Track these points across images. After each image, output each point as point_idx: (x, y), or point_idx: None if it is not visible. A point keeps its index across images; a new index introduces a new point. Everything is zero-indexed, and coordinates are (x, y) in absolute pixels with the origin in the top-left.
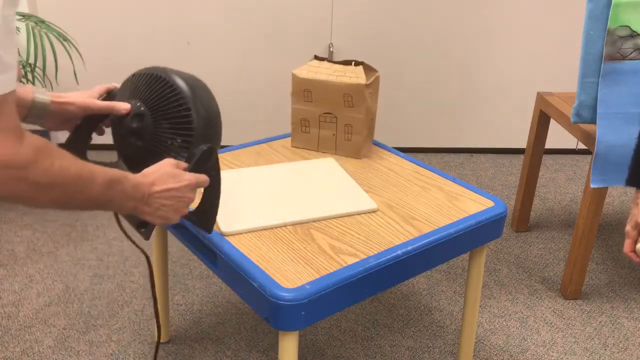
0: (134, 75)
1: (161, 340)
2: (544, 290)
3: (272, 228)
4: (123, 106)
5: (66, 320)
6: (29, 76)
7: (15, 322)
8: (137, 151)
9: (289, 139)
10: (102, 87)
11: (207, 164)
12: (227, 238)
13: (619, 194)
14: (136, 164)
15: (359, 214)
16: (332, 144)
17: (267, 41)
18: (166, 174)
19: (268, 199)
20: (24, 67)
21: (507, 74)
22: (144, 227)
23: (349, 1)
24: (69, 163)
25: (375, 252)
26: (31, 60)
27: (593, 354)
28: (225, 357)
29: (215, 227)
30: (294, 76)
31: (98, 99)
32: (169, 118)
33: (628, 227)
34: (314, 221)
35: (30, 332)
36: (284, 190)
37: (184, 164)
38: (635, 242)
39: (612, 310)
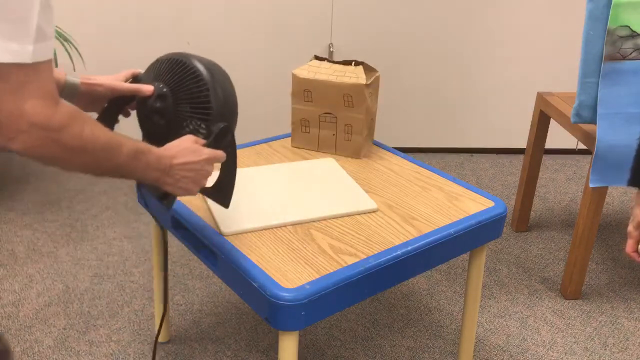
0: (157, 60)
1: (161, 340)
2: (544, 290)
3: (272, 228)
4: (147, 88)
5: (66, 320)
6: None
7: (15, 322)
8: (159, 129)
9: (289, 139)
10: (128, 72)
11: (223, 141)
12: (227, 238)
13: (619, 194)
14: (158, 140)
15: (359, 214)
16: (332, 144)
17: (267, 41)
18: (186, 149)
19: (268, 199)
20: None
21: (507, 74)
22: (165, 198)
23: (349, 1)
24: (99, 131)
25: (375, 252)
26: None
27: (593, 354)
28: (225, 357)
29: (215, 227)
30: (294, 76)
31: (124, 82)
32: (189, 99)
33: (630, 228)
34: (314, 221)
35: (30, 332)
36: (284, 190)
37: (203, 141)
38: (638, 242)
39: (612, 310)
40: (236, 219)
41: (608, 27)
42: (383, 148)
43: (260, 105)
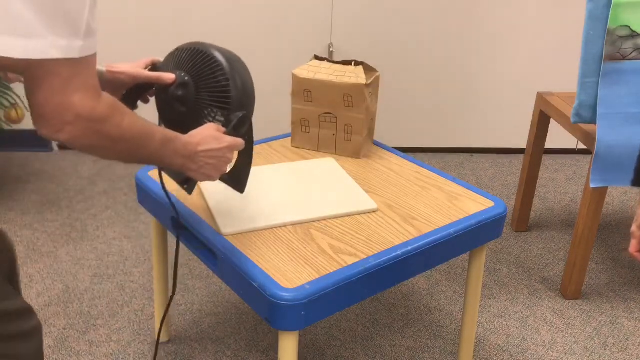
0: (177, 49)
1: (161, 340)
2: (544, 290)
3: (272, 228)
4: (169, 76)
5: (66, 320)
6: None
7: None
8: (179, 116)
9: (289, 139)
10: (147, 60)
11: (242, 129)
12: (227, 238)
13: (619, 194)
14: (177, 127)
15: (359, 214)
16: (332, 144)
17: (267, 41)
18: (210, 136)
19: (268, 199)
20: None
21: (507, 74)
22: (187, 183)
23: (349, 1)
24: (136, 120)
25: (375, 252)
26: None
27: (593, 354)
28: (225, 357)
29: (215, 227)
30: (294, 76)
31: (144, 69)
32: (209, 87)
33: (634, 227)
34: (314, 221)
35: None
36: (284, 190)
37: (224, 129)
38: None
39: (612, 310)
40: (236, 219)
41: (608, 27)
42: (383, 148)
43: (260, 105)
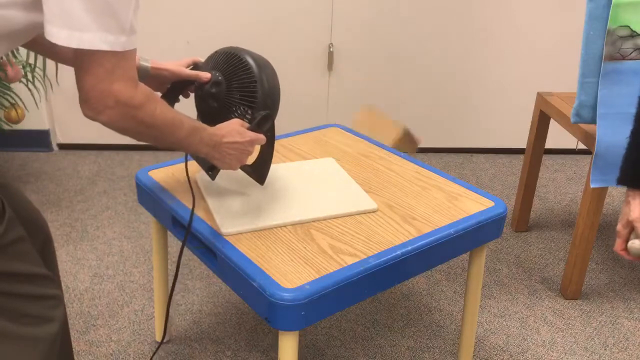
0: (216, 52)
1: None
2: (544, 290)
3: (272, 228)
4: (205, 75)
5: None
6: (29, 76)
7: None
8: (212, 110)
9: (289, 139)
10: (189, 59)
11: (265, 126)
12: (227, 238)
13: (619, 194)
14: (210, 120)
15: (359, 214)
16: None
17: (267, 41)
18: (234, 130)
19: (268, 199)
20: (24, 67)
21: (507, 74)
22: (211, 170)
23: (349, 1)
24: (167, 110)
25: (375, 252)
26: (31, 61)
27: (593, 354)
28: (225, 357)
29: (215, 227)
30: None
31: (186, 68)
32: (239, 87)
33: (619, 226)
34: (314, 221)
35: None
36: (284, 190)
37: (247, 124)
38: (626, 241)
39: (612, 310)
40: (236, 219)
41: (608, 27)
42: (383, 148)
43: None
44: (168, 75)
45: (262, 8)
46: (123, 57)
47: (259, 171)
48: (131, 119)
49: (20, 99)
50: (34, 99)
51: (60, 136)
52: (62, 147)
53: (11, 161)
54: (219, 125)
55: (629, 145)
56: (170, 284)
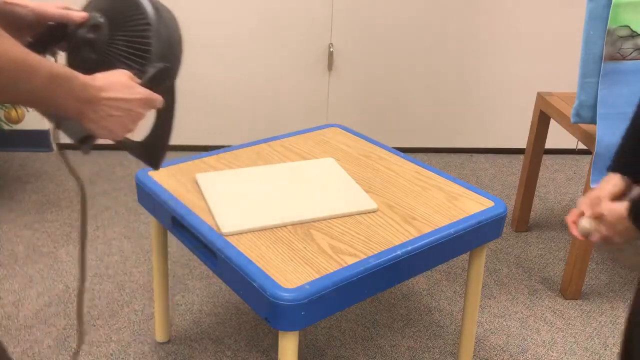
0: None
1: (161, 340)
2: (544, 290)
3: (272, 228)
4: (79, 14)
5: (66, 320)
6: None
7: (15, 322)
8: (88, 65)
9: (289, 138)
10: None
11: (161, 84)
12: (227, 238)
13: None
14: None
15: (359, 214)
16: None
17: (267, 41)
18: (118, 83)
19: (268, 199)
20: None
21: (507, 74)
22: (84, 141)
23: (349, 1)
24: (15, 48)
25: (375, 252)
26: None
27: (593, 354)
28: (225, 357)
29: (215, 227)
30: None
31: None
32: (126, 31)
33: (583, 198)
34: (314, 221)
35: (30, 332)
36: (284, 190)
37: (139, 80)
38: (580, 215)
39: (612, 310)
40: (236, 219)
41: (608, 27)
42: (383, 148)
43: (260, 105)
44: (25, 14)
45: (262, 8)
46: None
47: (151, 149)
48: None
49: None
50: None
51: (60, 136)
52: (62, 147)
53: (11, 161)
54: (97, 75)
55: (623, 138)
56: (170, 284)
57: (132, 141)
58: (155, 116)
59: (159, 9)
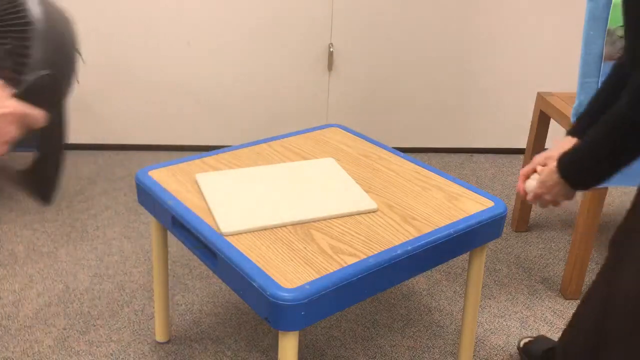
0: None
1: (161, 340)
2: (544, 290)
3: (272, 228)
4: None
5: (66, 320)
6: None
7: (15, 322)
8: None
9: (289, 138)
10: None
11: (44, 96)
12: (227, 238)
13: (619, 194)
14: None
15: (359, 214)
16: None
17: (267, 41)
18: None
19: (268, 199)
20: None
21: (507, 74)
22: None
23: (349, 1)
24: None
25: (375, 252)
26: None
27: None
28: (225, 357)
29: (215, 227)
30: None
31: None
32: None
33: (537, 156)
34: (314, 221)
35: (30, 332)
36: (284, 190)
37: (12, 91)
38: (531, 173)
39: None
40: (236, 219)
41: (608, 27)
42: (383, 148)
43: (260, 105)
44: None
45: (262, 8)
46: None
47: (39, 178)
48: None
49: None
50: None
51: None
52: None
53: (11, 161)
54: None
55: (587, 103)
56: (170, 284)
57: (11, 168)
58: (40, 137)
59: (46, 4)
